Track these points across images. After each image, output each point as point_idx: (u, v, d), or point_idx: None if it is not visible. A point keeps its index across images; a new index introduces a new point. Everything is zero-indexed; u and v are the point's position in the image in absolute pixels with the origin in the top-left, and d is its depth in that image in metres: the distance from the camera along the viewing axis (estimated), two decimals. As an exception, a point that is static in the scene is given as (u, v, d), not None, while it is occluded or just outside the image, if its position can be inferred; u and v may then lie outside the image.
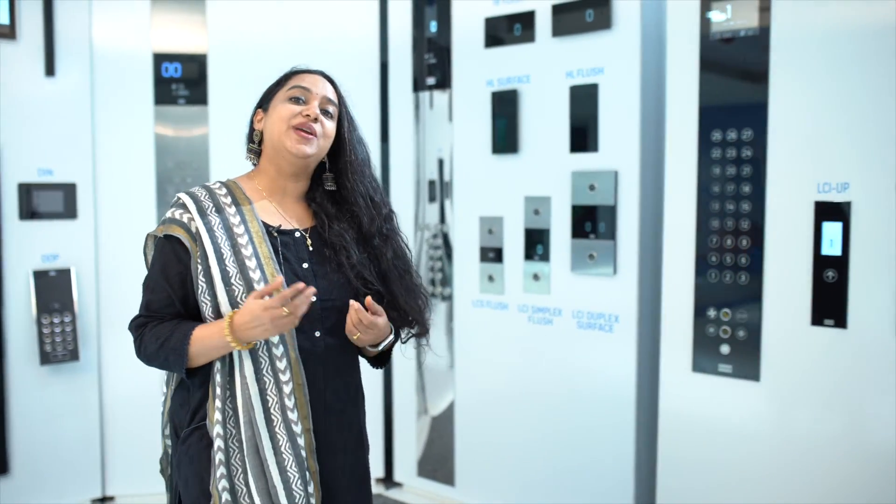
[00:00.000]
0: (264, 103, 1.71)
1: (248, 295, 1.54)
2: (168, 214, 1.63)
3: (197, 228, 1.58)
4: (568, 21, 2.75)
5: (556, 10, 2.77)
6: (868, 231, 2.21)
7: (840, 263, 2.26)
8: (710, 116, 2.47)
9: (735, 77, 2.43)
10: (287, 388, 1.56)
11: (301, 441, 1.56)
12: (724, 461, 2.48)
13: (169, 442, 1.74)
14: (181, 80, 3.23)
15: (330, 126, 1.68)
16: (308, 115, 1.63)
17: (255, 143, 1.72)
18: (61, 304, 3.11)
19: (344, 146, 1.71)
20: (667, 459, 2.61)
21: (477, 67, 3.03)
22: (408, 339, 1.81)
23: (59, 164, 3.14)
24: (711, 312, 2.50)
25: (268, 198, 1.69)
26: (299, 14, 3.34)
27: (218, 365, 1.59)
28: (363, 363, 1.81)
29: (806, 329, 2.32)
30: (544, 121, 2.86)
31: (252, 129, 1.74)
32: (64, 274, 3.14)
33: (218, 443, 1.55)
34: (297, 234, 1.67)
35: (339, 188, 1.72)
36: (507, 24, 2.92)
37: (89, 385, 3.24)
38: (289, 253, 1.64)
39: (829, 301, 2.28)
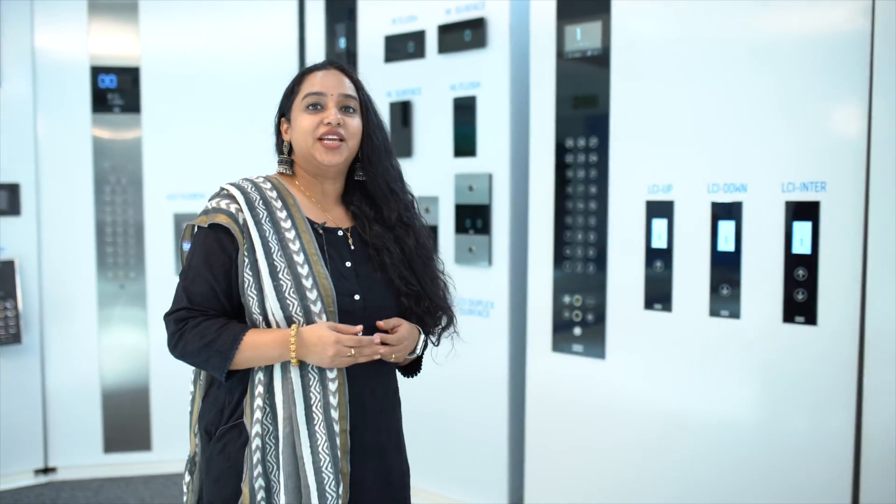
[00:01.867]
0: (286, 111, 1.66)
1: (295, 291, 1.50)
2: (212, 204, 1.57)
3: (244, 220, 1.53)
4: (451, 40, 3.08)
5: (442, 30, 3.11)
6: (686, 226, 2.54)
7: (666, 255, 2.59)
8: (564, 125, 2.80)
9: (583, 90, 2.76)
10: (333, 386, 1.52)
11: (338, 441, 1.51)
12: (581, 431, 2.81)
13: (198, 441, 1.66)
14: (116, 91, 3.56)
15: (355, 124, 1.62)
16: (330, 123, 1.57)
17: (286, 153, 1.67)
18: (5, 293, 3.44)
19: (365, 136, 1.65)
20: (534, 431, 2.93)
21: (378, 80, 3.35)
22: (440, 337, 1.74)
23: (4, 166, 3.48)
24: (566, 299, 2.83)
25: (310, 196, 1.65)
26: (225, 29, 3.67)
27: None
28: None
29: (640, 313, 2.65)
30: (433, 128, 3.19)
31: (280, 140, 1.68)
32: (8, 265, 3.47)
33: (256, 441, 1.50)
34: (340, 233, 1.63)
35: (365, 177, 1.67)
36: (402, 42, 3.25)
37: (32, 366, 3.57)
38: (333, 251, 1.59)
39: (658, 288, 2.61)
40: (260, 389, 1.52)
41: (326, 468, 1.49)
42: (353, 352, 1.47)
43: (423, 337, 1.66)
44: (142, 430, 3.67)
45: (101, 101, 3.56)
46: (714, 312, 2.49)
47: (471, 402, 3.14)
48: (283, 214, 1.56)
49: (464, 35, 3.03)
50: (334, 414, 1.51)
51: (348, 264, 1.60)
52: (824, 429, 2.29)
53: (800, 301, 2.33)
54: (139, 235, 3.64)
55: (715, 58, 2.46)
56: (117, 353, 3.67)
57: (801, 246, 2.33)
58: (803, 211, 2.32)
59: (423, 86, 3.21)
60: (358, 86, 1.66)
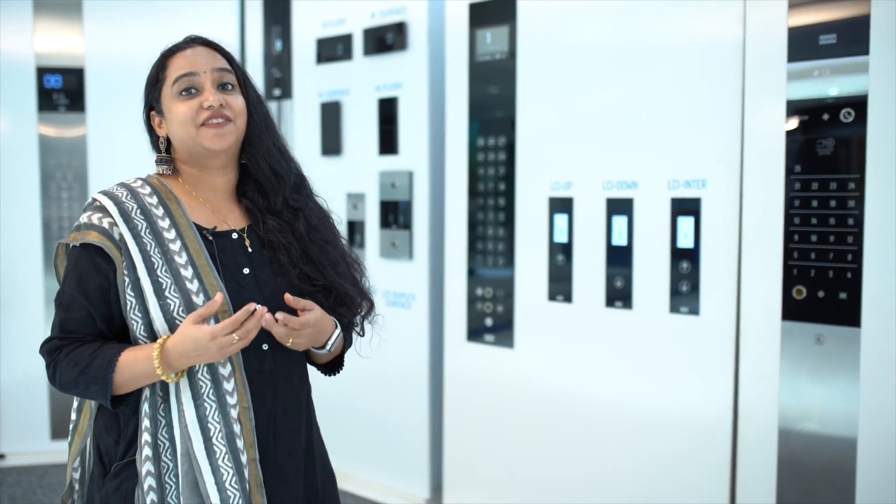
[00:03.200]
0: (154, 104, 1.46)
1: (185, 310, 1.33)
2: (83, 219, 1.38)
3: (121, 234, 1.35)
4: (375, 42, 3.21)
5: (367, 33, 3.24)
6: (585, 221, 2.68)
7: (567, 249, 2.73)
8: (477, 125, 2.94)
9: (493, 92, 2.90)
10: (234, 413, 1.34)
11: (247, 473, 1.34)
12: (494, 417, 2.94)
13: (76, 475, 1.51)
14: (62, 91, 3.69)
15: (238, 102, 1.44)
16: (211, 106, 1.39)
17: (164, 151, 1.47)
18: (-47, 286, 3.57)
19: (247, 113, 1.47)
20: (451, 418, 3.07)
21: (311, 81, 3.49)
22: (363, 326, 1.57)
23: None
24: (479, 291, 2.96)
25: (197, 196, 1.46)
26: (168, 31, 3.78)
27: (147, 391, 1.36)
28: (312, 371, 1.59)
29: (544, 304, 2.79)
30: (360, 128, 3.32)
31: (155, 137, 1.49)
32: (-44, 260, 3.60)
33: (149, 481, 1.32)
34: (235, 236, 1.44)
35: (247, 161, 1.49)
36: (332, 45, 3.38)
37: (-19, 357, 3.70)
38: (227, 258, 1.41)
39: (560, 281, 2.75)
40: (146, 423, 1.34)
41: None
42: (236, 337, 1.29)
43: (337, 332, 1.48)
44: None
45: (47, 101, 3.69)
46: (609, 303, 2.63)
47: (395, 391, 3.27)
48: (165, 223, 1.38)
49: (386, 38, 3.16)
50: (239, 444, 1.33)
51: (246, 271, 1.42)
52: (706, 410, 2.43)
53: (684, 293, 2.47)
54: (85, 230, 3.77)
55: (610, 63, 2.59)
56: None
57: (685, 240, 2.47)
58: (686, 207, 2.46)
59: (350, 87, 3.34)
60: (230, 58, 1.48)
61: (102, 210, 1.37)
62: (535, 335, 2.82)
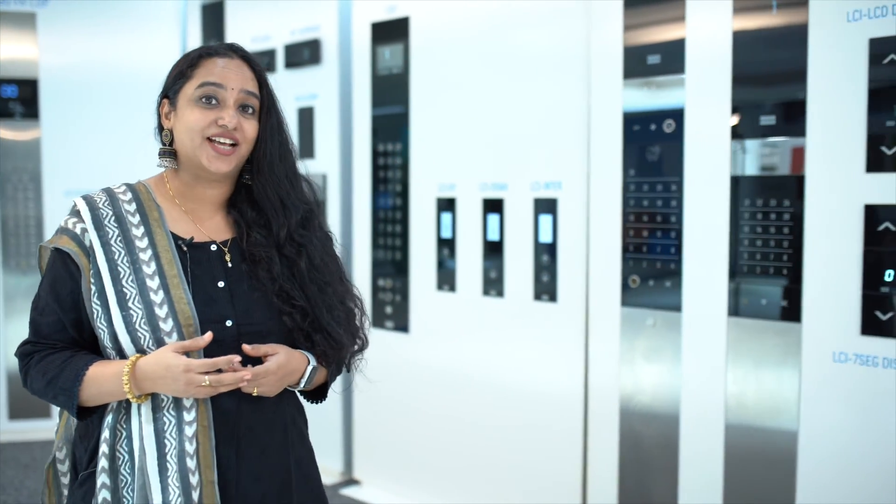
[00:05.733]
0: (170, 93, 1.40)
1: (146, 322, 1.30)
2: (61, 223, 1.38)
3: (91, 241, 1.33)
4: (294, 57, 3.54)
5: (287, 48, 3.56)
6: (466, 219, 2.99)
7: (451, 244, 3.04)
8: (379, 132, 3.26)
9: (392, 102, 3.21)
10: (189, 431, 1.30)
11: (196, 496, 1.29)
12: (396, 397, 3.26)
13: (65, 480, 1.49)
14: (17, 100, 4.03)
15: (251, 128, 1.38)
16: (225, 126, 1.34)
17: (167, 144, 1.42)
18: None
19: (258, 139, 1.41)
20: (360, 401, 3.38)
21: (241, 91, 3.82)
22: (350, 364, 1.53)
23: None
24: (381, 282, 3.28)
25: (181, 204, 1.42)
26: (115, 47, 4.14)
27: (114, 402, 1.34)
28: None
29: (433, 293, 3.10)
30: (283, 134, 3.65)
31: (161, 126, 1.43)
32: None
33: (103, 494, 1.30)
34: (214, 248, 1.40)
35: (252, 185, 1.43)
36: (260, 58, 3.69)
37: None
38: (200, 270, 1.37)
39: (446, 272, 3.06)
40: (106, 434, 1.33)
41: None
42: (207, 381, 1.25)
43: (310, 367, 1.42)
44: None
45: (2, 109, 4.03)
46: (485, 292, 2.95)
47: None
48: (139, 231, 1.35)
49: (303, 53, 3.48)
50: (190, 463, 1.29)
51: (221, 284, 1.38)
52: (564, 386, 2.73)
53: (545, 282, 2.78)
54: (39, 228, 4.11)
55: (484, 78, 2.91)
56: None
57: (546, 236, 2.78)
58: (546, 206, 2.77)
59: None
60: (262, 80, 1.42)
61: (77, 215, 1.37)
62: (426, 321, 3.13)
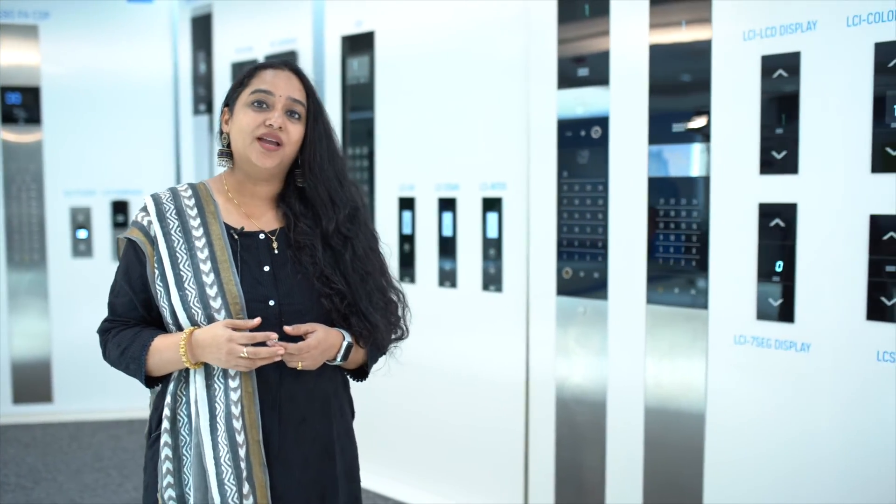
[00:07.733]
0: (230, 101, 1.59)
1: (198, 300, 1.48)
2: (133, 217, 1.63)
3: (155, 232, 1.52)
4: (273, 67, 3.82)
5: (267, 59, 3.84)
6: (423, 216, 3.26)
7: (411, 240, 3.31)
8: (350, 137, 3.53)
9: (359, 109, 3.49)
10: (235, 395, 1.47)
11: (242, 452, 1.46)
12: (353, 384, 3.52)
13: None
14: (21, 106, 4.34)
15: (296, 131, 1.54)
16: (271, 126, 1.50)
17: (225, 146, 1.60)
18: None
19: (307, 142, 1.57)
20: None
21: (226, 98, 4.11)
22: (389, 347, 1.69)
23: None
24: (349, 275, 3.55)
25: (234, 199, 1.59)
26: (111, 57, 4.45)
27: (176, 371, 1.53)
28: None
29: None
30: (263, 138, 3.93)
31: (221, 131, 1.61)
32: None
33: (165, 451, 1.50)
34: (262, 237, 1.56)
35: (305, 185, 1.60)
36: (242, 68, 3.99)
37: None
38: (248, 256, 1.53)
39: (406, 265, 3.33)
40: (168, 399, 1.52)
41: (229, 481, 1.45)
42: (245, 351, 1.42)
43: (346, 341, 1.56)
44: (44, 386, 4.45)
45: (8, 114, 4.35)
46: (441, 284, 3.21)
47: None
48: (196, 223, 1.53)
49: (281, 64, 3.76)
50: (236, 424, 1.46)
51: (266, 268, 1.54)
52: (508, 370, 2.99)
53: (492, 274, 3.04)
54: (41, 225, 4.42)
55: (438, 87, 3.18)
56: (24, 327, 4.44)
57: (492, 231, 3.04)
58: (492, 205, 3.03)
59: (256, 103, 3.95)
60: (309, 91, 1.60)
61: (145, 210, 1.56)
62: (389, 311, 3.40)
